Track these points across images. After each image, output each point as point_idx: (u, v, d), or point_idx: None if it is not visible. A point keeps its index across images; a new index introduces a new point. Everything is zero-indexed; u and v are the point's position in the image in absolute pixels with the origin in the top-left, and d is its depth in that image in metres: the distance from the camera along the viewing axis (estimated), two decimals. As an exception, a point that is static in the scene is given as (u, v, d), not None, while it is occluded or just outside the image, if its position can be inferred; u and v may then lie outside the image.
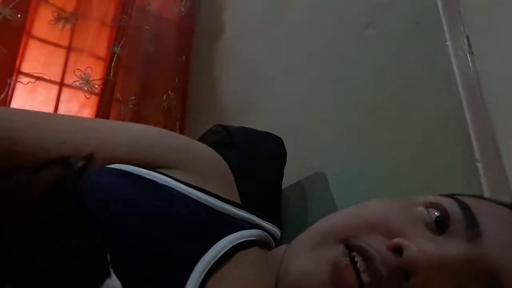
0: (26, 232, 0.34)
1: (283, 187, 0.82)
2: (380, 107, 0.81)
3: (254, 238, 0.53)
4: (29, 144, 0.47)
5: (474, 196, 0.49)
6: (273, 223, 0.59)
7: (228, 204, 0.55)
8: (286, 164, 0.82)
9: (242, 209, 0.56)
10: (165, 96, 1.54)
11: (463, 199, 0.45)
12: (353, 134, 0.86)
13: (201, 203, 0.52)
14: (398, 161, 0.75)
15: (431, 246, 0.40)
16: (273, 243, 0.57)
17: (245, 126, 0.84)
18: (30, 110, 0.55)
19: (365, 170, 0.81)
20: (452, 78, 0.69)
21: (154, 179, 0.51)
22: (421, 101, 0.74)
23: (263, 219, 0.58)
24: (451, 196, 0.46)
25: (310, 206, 0.82)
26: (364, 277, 0.39)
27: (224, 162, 0.64)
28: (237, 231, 0.52)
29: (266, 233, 0.56)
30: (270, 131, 0.84)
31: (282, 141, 0.83)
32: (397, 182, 0.73)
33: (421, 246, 0.39)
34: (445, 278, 0.39)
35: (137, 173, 0.50)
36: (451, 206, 0.43)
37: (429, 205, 0.44)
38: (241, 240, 0.50)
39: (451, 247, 0.40)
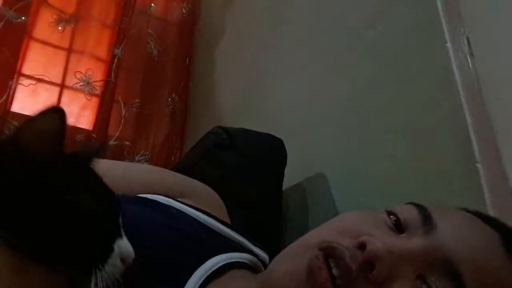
0: (41, 179, 0.34)
1: (283, 188, 0.82)
2: (380, 108, 0.81)
3: (246, 261, 0.57)
4: None
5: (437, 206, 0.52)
6: (262, 249, 0.62)
7: (226, 227, 0.60)
8: (287, 165, 0.82)
9: (237, 233, 0.61)
10: (169, 99, 1.54)
11: (423, 204, 0.49)
12: (354, 135, 0.86)
13: (201, 223, 0.57)
14: (398, 161, 0.75)
15: (392, 240, 0.44)
16: (262, 268, 0.60)
17: (245, 127, 0.85)
18: None
19: (366, 171, 0.81)
20: (452, 80, 0.69)
21: (156, 199, 0.57)
22: (421, 102, 0.74)
23: (255, 245, 0.62)
24: (412, 203, 0.50)
25: (311, 207, 0.82)
26: (335, 271, 0.42)
27: (218, 196, 0.69)
28: (233, 252, 0.56)
29: (257, 259, 0.60)
30: (270, 133, 0.85)
31: (282, 142, 0.83)
32: (397, 182, 0.73)
33: (383, 240, 0.43)
34: (406, 268, 0.41)
35: (144, 196, 0.57)
36: (409, 210, 0.47)
37: (390, 212, 0.48)
38: (235, 260, 0.54)
39: (410, 241, 0.43)
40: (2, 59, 1.25)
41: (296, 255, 0.47)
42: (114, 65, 1.43)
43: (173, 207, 0.57)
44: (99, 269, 0.34)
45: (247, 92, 1.31)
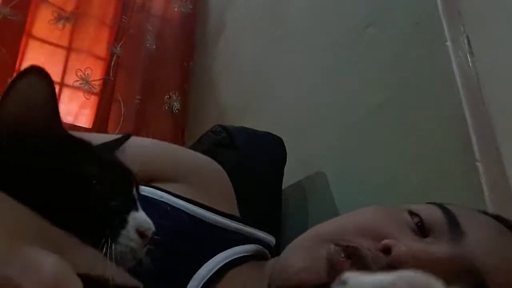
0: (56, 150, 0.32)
1: (283, 187, 0.82)
2: (380, 107, 0.81)
3: (249, 254, 0.55)
4: None
5: (459, 206, 0.50)
6: (267, 232, 0.61)
7: (224, 218, 0.57)
8: (286, 164, 0.82)
9: (237, 221, 0.58)
10: (167, 97, 1.54)
11: (446, 205, 0.47)
12: (354, 134, 0.86)
13: (195, 217, 0.54)
14: (398, 160, 0.75)
15: (418, 245, 0.42)
16: (269, 254, 0.59)
17: (245, 126, 0.85)
18: None
19: (365, 170, 0.81)
20: (452, 78, 0.69)
21: (149, 194, 0.53)
22: (421, 101, 0.74)
23: (259, 229, 0.60)
24: (435, 203, 0.49)
25: (310, 206, 0.82)
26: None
27: (225, 175, 0.66)
28: (231, 247, 0.53)
29: (261, 246, 0.58)
30: (270, 131, 0.85)
31: (282, 141, 0.83)
32: (397, 181, 0.73)
33: (408, 245, 0.41)
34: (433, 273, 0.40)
35: None
36: (432, 211, 0.46)
37: (412, 212, 0.46)
38: (235, 257, 0.52)
39: (436, 247, 0.42)
40: (0, 57, 1.25)
41: (312, 248, 0.45)
42: (113, 63, 1.42)
43: (166, 203, 0.54)
44: (111, 241, 0.32)
45: (247, 90, 1.31)
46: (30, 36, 1.35)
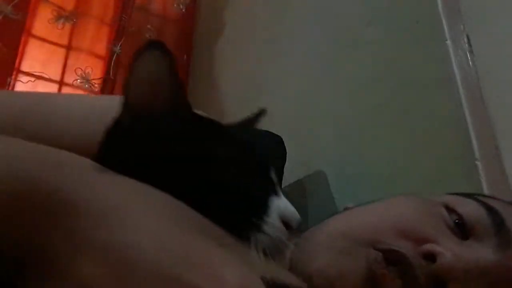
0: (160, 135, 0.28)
1: (282, 186, 0.82)
2: (380, 106, 0.81)
3: None
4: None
5: (499, 199, 0.45)
6: None
7: None
8: (286, 163, 0.82)
9: None
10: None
11: (489, 202, 0.42)
12: (353, 133, 0.86)
13: None
14: (398, 159, 0.75)
15: (464, 251, 0.37)
16: None
17: (245, 125, 0.84)
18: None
19: (365, 169, 0.81)
20: (452, 77, 0.69)
21: None
22: (421, 100, 0.74)
23: None
24: (473, 196, 0.43)
25: (310, 205, 0.82)
26: (399, 283, 0.36)
27: None
28: None
29: None
30: (270, 130, 0.84)
31: (281, 139, 0.83)
32: (397, 180, 0.73)
33: (454, 251, 0.36)
34: (478, 285, 0.36)
35: None
36: (475, 210, 0.40)
37: (449, 208, 0.41)
38: None
39: (483, 253, 0.37)
40: (0, 56, 1.25)
41: (347, 252, 0.39)
42: (113, 62, 1.42)
43: None
44: (256, 230, 0.27)
45: (246, 89, 1.31)
46: (30, 35, 1.35)
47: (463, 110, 0.66)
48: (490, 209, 0.40)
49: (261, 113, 0.38)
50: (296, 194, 0.85)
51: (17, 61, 1.30)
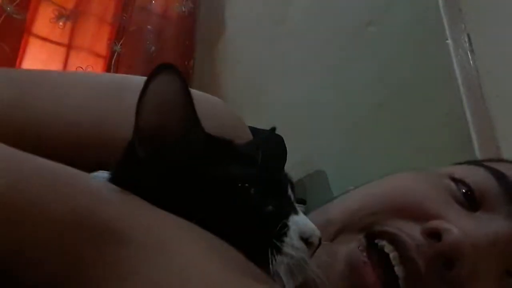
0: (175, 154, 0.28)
1: (283, 186, 0.82)
2: (380, 105, 0.81)
3: None
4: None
5: (506, 161, 0.42)
6: None
7: None
8: (286, 162, 0.82)
9: None
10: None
11: (496, 166, 0.38)
12: (354, 132, 0.86)
13: None
14: (398, 158, 0.75)
15: (471, 225, 0.33)
16: None
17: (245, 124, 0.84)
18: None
19: (365, 168, 0.81)
20: (452, 76, 0.69)
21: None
22: (422, 99, 0.74)
23: None
24: (480, 163, 0.39)
25: (310, 204, 0.82)
26: (399, 270, 0.33)
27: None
28: None
29: None
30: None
31: (282, 139, 0.83)
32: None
33: (461, 226, 0.32)
34: (493, 263, 0.33)
35: None
36: (482, 177, 0.36)
37: (456, 179, 0.37)
38: None
39: (494, 225, 0.33)
40: (1, 55, 1.25)
41: (336, 237, 0.37)
42: (113, 61, 1.42)
43: None
44: (276, 251, 0.26)
45: (247, 89, 1.31)
46: (31, 34, 1.35)
47: (464, 109, 0.66)
48: (500, 176, 0.36)
49: (271, 131, 0.37)
50: (297, 193, 0.85)
51: (18, 60, 1.30)
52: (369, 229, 0.35)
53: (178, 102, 0.28)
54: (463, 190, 0.36)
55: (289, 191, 0.31)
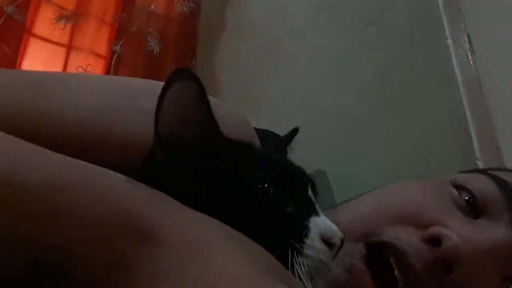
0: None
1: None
2: (380, 106, 0.81)
3: None
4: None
5: (509, 170, 0.43)
6: None
7: None
8: (286, 162, 0.82)
9: None
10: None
11: (499, 174, 0.38)
12: (354, 132, 0.86)
13: None
14: (398, 158, 0.75)
15: (472, 231, 0.34)
16: None
17: (245, 124, 0.84)
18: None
19: (365, 169, 0.81)
20: (452, 77, 0.69)
21: None
22: (422, 100, 0.74)
23: None
24: (483, 171, 0.40)
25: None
26: (398, 275, 0.33)
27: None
28: None
29: None
30: (270, 129, 0.84)
31: (282, 139, 0.83)
32: (397, 179, 0.73)
33: (461, 232, 0.33)
34: (491, 269, 0.33)
35: None
36: (485, 184, 0.37)
37: (459, 185, 0.38)
38: None
39: (495, 231, 0.34)
40: (1, 55, 1.25)
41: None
42: (114, 61, 1.42)
43: None
44: (296, 253, 0.26)
45: (248, 89, 1.31)
46: (31, 34, 1.35)
47: (464, 110, 0.66)
48: (502, 184, 0.36)
49: (293, 132, 0.38)
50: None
51: (19, 61, 1.30)
52: (369, 237, 0.35)
53: (196, 107, 0.28)
54: (466, 198, 0.36)
55: (310, 192, 0.31)
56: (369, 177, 0.79)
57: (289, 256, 0.26)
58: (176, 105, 0.28)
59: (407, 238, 0.34)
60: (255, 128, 0.84)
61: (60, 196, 0.23)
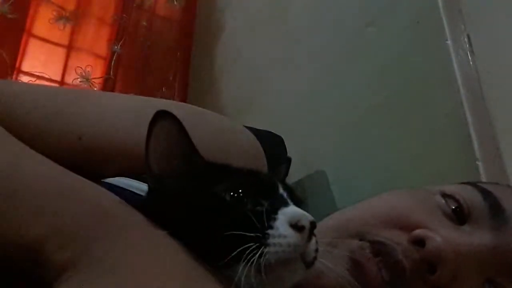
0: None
1: (283, 186, 0.82)
2: (380, 106, 0.81)
3: None
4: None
5: (496, 183, 0.45)
6: None
7: None
8: (287, 162, 0.82)
9: None
10: (168, 95, 1.53)
11: (484, 186, 0.41)
12: (354, 132, 0.86)
13: None
14: (398, 159, 0.75)
15: (455, 235, 0.36)
16: None
17: (245, 125, 0.84)
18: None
19: (365, 169, 0.81)
20: (452, 77, 0.69)
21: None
22: (422, 100, 0.74)
23: None
24: (470, 183, 0.43)
25: (311, 204, 0.82)
26: (385, 273, 0.36)
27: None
28: None
29: None
30: (270, 130, 0.84)
31: (282, 140, 0.83)
32: (397, 180, 0.73)
33: (445, 235, 0.35)
34: (473, 270, 0.35)
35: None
36: (470, 194, 0.40)
37: (446, 194, 0.40)
38: None
39: (478, 236, 0.36)
40: (1, 56, 1.25)
41: (333, 244, 0.38)
42: (113, 62, 1.42)
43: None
44: (263, 246, 0.28)
45: (247, 89, 1.31)
46: (31, 35, 1.35)
47: (464, 110, 0.66)
48: (486, 193, 0.39)
49: (287, 163, 0.42)
50: (297, 192, 0.85)
51: (18, 61, 1.30)
52: (362, 236, 0.38)
53: (178, 141, 0.34)
54: (453, 207, 0.39)
55: (281, 190, 0.34)
56: (369, 177, 0.79)
57: (246, 252, 0.28)
58: (161, 142, 0.33)
59: (396, 239, 0.37)
60: (256, 129, 0.84)
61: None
